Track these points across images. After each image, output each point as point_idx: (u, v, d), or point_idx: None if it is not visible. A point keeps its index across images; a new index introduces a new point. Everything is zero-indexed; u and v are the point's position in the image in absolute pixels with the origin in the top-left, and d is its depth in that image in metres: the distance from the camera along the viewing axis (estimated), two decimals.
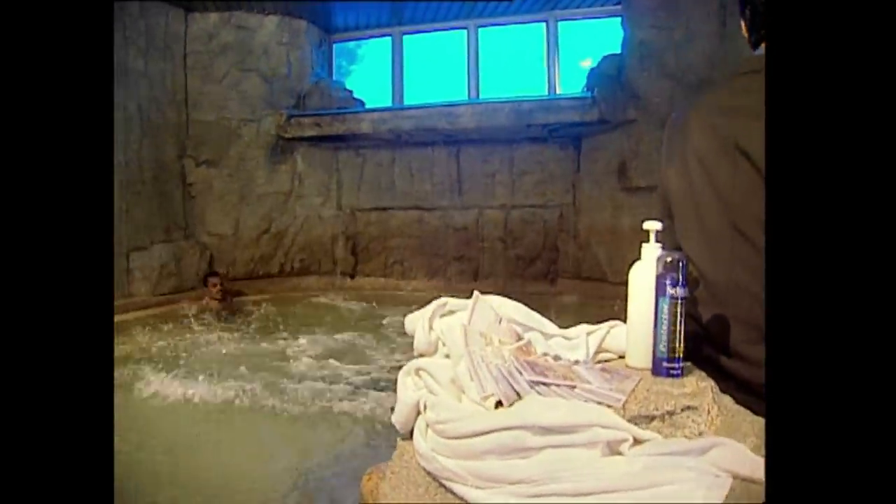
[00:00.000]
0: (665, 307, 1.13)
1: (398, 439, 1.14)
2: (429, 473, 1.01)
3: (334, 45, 7.62)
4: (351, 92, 7.14)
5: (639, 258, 1.26)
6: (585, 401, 1.01)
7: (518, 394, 1.02)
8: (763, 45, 1.28)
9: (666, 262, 1.14)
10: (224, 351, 4.83)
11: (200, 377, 3.88)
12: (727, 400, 1.13)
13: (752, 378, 1.10)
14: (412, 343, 1.30)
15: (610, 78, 5.63)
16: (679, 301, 1.12)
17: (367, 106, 7.07)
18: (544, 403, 0.97)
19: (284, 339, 5.18)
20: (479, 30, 7.02)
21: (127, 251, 5.82)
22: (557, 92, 6.75)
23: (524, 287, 6.48)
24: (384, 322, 5.76)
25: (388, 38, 7.30)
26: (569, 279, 6.42)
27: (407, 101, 7.20)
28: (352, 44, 7.76)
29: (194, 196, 6.68)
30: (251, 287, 6.80)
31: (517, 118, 5.88)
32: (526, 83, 6.98)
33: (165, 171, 6.32)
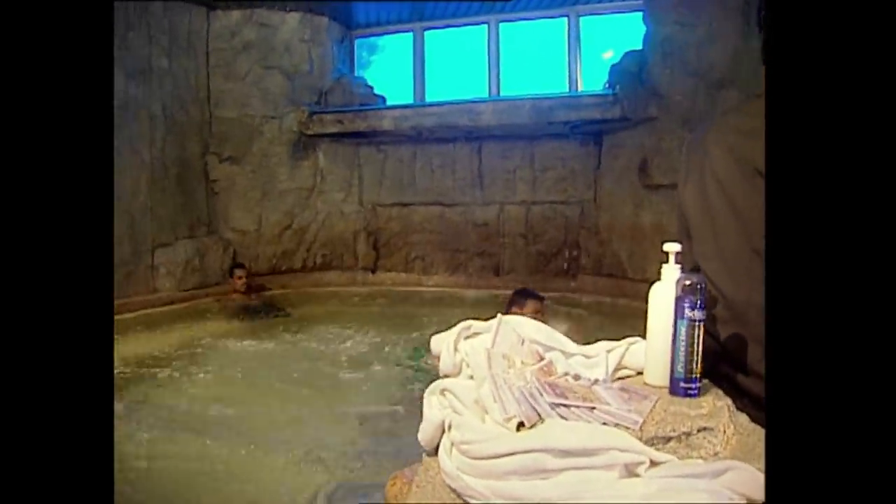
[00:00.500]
0: (683, 329, 1.16)
1: (423, 455, 1.19)
2: (453, 490, 1.05)
3: (355, 41, 7.66)
4: (372, 88, 7.18)
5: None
6: (604, 423, 1.05)
7: (539, 415, 1.06)
8: None
9: (685, 284, 1.17)
10: None
11: None
12: (743, 418, 1.16)
13: None
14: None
15: (631, 75, 5.61)
16: (697, 323, 1.15)
17: (389, 102, 7.12)
18: (564, 427, 1.01)
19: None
20: (501, 25, 7.02)
21: (152, 247, 5.93)
22: (579, 87, 6.74)
23: (545, 283, 6.50)
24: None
25: (410, 34, 7.32)
26: (589, 275, 6.43)
27: (428, 97, 7.23)
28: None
29: (217, 192, 6.77)
30: (274, 282, 6.89)
31: (538, 115, 5.89)
32: (547, 78, 6.98)
33: (189, 168, 6.42)
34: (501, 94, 6.96)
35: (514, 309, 3.89)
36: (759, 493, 0.92)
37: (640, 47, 5.71)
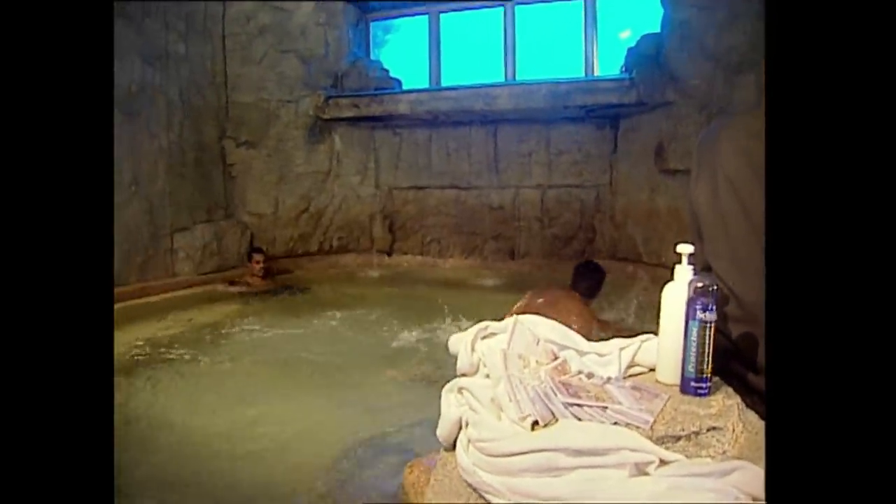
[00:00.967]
0: (695, 330, 1.19)
1: (441, 450, 1.23)
2: (469, 485, 1.10)
3: (371, 24, 7.64)
4: (388, 71, 7.17)
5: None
6: (616, 422, 1.09)
7: (553, 414, 1.10)
8: None
9: (697, 287, 1.20)
10: None
11: None
12: (752, 416, 1.19)
13: None
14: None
15: (648, 58, 5.57)
16: (708, 325, 1.18)
17: (405, 85, 7.11)
18: (577, 428, 1.05)
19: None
20: (516, 7, 6.97)
21: (171, 232, 6.00)
22: (595, 70, 6.68)
23: (560, 266, 6.53)
24: None
25: (425, 17, 7.30)
26: (604, 259, 6.43)
27: (444, 81, 7.20)
28: None
29: (234, 176, 6.82)
30: (290, 265, 6.96)
31: (554, 100, 5.87)
32: (563, 60, 6.93)
33: (206, 152, 6.47)
34: (517, 77, 6.92)
35: (580, 283, 3.97)
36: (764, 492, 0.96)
37: (657, 30, 5.65)
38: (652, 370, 1.37)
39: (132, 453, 2.72)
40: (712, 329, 1.19)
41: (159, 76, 5.79)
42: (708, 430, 1.11)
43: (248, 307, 5.70)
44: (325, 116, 6.81)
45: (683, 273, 1.28)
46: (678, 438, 1.10)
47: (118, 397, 3.33)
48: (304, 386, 3.73)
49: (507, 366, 1.18)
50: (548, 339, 1.36)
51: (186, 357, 4.23)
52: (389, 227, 7.29)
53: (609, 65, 6.51)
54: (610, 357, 1.34)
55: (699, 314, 1.18)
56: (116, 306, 5.01)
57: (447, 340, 1.45)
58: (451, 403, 1.20)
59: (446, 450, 1.22)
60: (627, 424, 1.09)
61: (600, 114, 6.16)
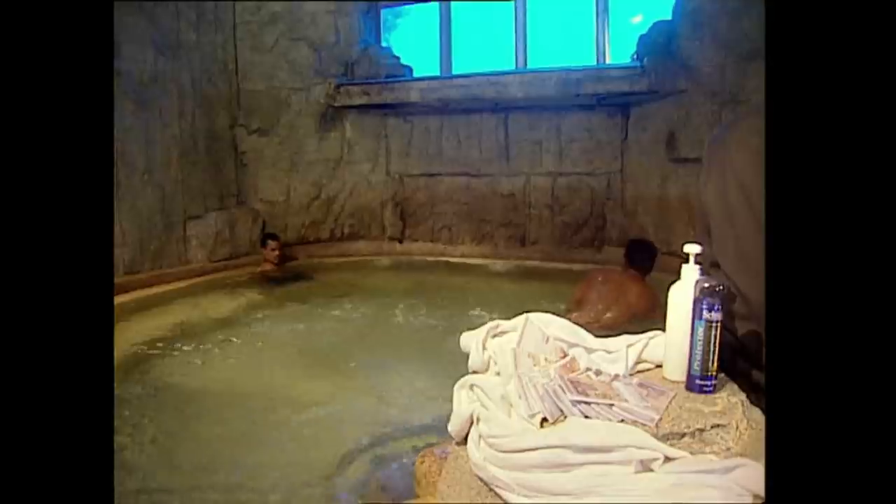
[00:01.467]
0: (701, 330, 1.22)
1: (453, 444, 1.27)
2: (480, 479, 1.14)
3: (381, 11, 7.62)
4: (399, 58, 7.16)
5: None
6: (622, 420, 1.12)
7: (562, 411, 1.13)
8: None
9: (703, 287, 1.22)
10: None
11: None
12: (756, 413, 1.22)
13: None
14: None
15: (660, 46, 5.53)
16: (714, 324, 1.21)
17: (415, 72, 7.11)
18: (584, 425, 1.08)
19: None
20: None
21: (184, 220, 6.06)
22: (607, 57, 6.65)
23: (570, 254, 6.56)
24: None
25: (436, 4, 7.27)
26: (615, 247, 6.44)
27: (455, 68, 7.19)
28: None
29: (246, 164, 6.86)
30: (302, 252, 7.02)
31: (565, 88, 5.85)
32: (574, 48, 6.90)
33: (218, 140, 6.50)
34: (528, 65, 6.91)
35: (636, 261, 4.02)
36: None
37: (668, 17, 5.62)
38: (659, 366, 1.40)
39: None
40: (718, 328, 1.22)
41: (171, 65, 5.81)
42: (712, 427, 1.14)
43: (264, 294, 5.77)
44: (336, 104, 6.82)
45: (690, 272, 1.30)
46: (683, 435, 1.13)
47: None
48: (323, 373, 3.80)
49: (517, 364, 1.21)
50: (557, 337, 1.39)
51: (208, 345, 4.30)
52: (400, 214, 7.31)
53: (620, 52, 6.48)
54: (618, 354, 1.37)
55: (705, 314, 1.21)
56: (131, 295, 5.09)
57: (461, 332, 1.49)
58: (463, 400, 1.23)
59: (458, 444, 1.25)
60: (634, 422, 1.12)
61: (611, 102, 6.14)
